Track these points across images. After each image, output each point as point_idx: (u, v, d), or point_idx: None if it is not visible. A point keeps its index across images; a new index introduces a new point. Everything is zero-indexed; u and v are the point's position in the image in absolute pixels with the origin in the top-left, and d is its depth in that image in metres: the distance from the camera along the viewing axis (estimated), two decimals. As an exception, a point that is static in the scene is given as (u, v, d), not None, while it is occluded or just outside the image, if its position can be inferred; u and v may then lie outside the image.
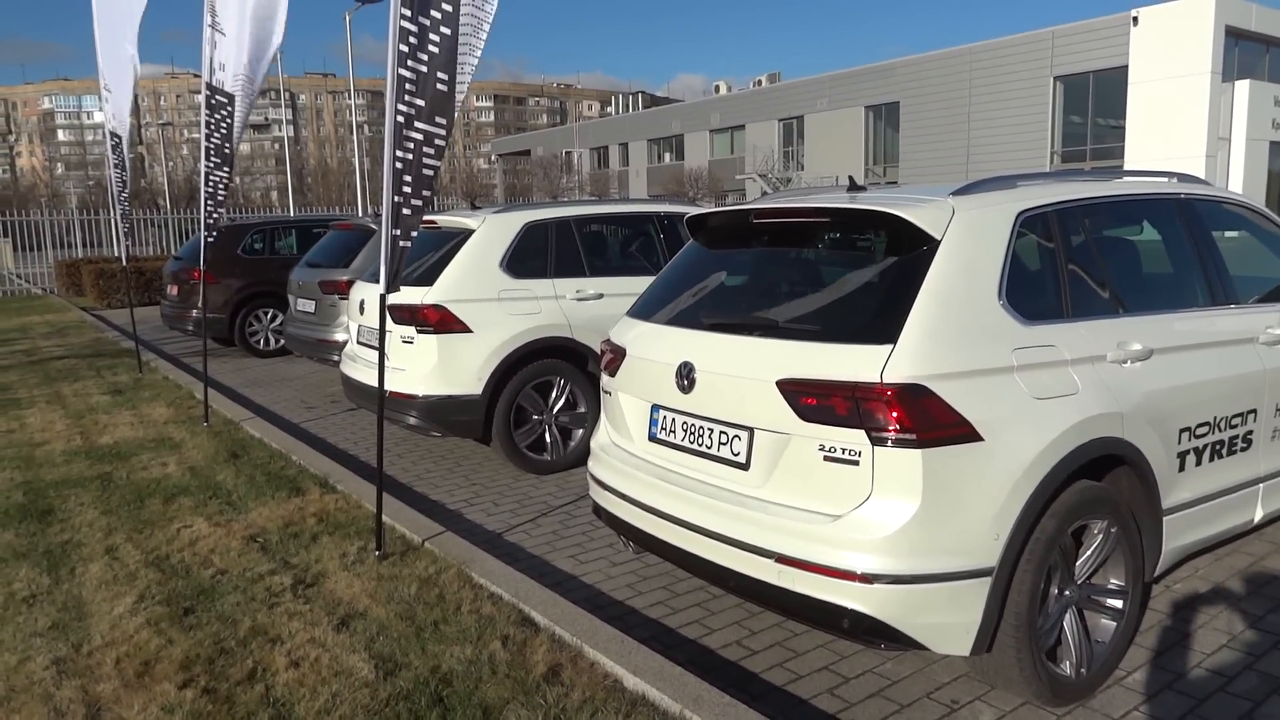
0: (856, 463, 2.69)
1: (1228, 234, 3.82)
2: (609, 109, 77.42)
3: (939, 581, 2.64)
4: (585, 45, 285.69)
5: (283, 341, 10.29)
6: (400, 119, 3.84)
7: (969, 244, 2.89)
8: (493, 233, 5.85)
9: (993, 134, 34.11)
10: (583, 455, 5.92)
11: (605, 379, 3.76)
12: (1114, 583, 3.12)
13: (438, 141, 3.95)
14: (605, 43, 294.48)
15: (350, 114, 32.91)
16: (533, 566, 4.31)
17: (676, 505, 3.20)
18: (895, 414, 2.62)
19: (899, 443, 2.62)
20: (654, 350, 3.41)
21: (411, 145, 3.91)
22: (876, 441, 2.64)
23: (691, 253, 3.81)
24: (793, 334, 2.97)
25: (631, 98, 65.99)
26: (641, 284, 6.27)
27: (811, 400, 2.77)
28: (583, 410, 5.93)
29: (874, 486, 2.67)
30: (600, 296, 5.98)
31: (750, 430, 2.99)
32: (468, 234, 5.83)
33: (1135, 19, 31.02)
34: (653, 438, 3.43)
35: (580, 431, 5.95)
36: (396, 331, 5.62)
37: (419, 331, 5.57)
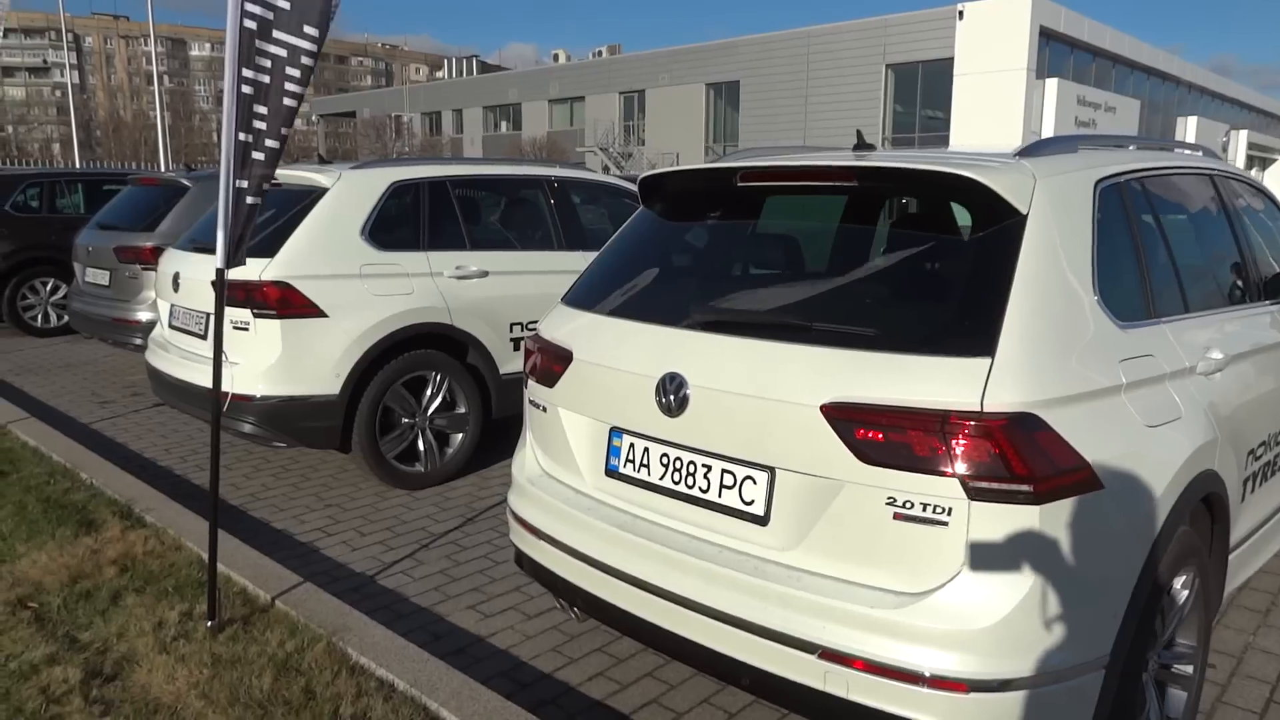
0: (945, 523, 1.92)
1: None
2: (439, 73, 74.09)
3: (1054, 683, 1.94)
4: (411, 6, 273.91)
5: (66, 318, 8.58)
6: (251, 24, 2.71)
7: (1057, 222, 2.18)
8: (351, 192, 4.70)
9: (829, 118, 34.85)
10: (462, 465, 4.95)
11: (536, 388, 2.82)
12: (1184, 644, 2.54)
13: (304, 60, 2.84)
14: (432, 5, 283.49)
15: (151, 62, 29.26)
16: (423, 625, 3.33)
17: (651, 567, 2.35)
18: (1005, 456, 1.87)
19: (1009, 496, 1.88)
20: (617, 355, 2.51)
21: (268, 64, 2.78)
22: (976, 495, 1.89)
23: (649, 225, 2.91)
24: (839, 340, 2.14)
25: (464, 62, 63.30)
26: (531, 261, 5.38)
27: (876, 435, 1.98)
28: (463, 411, 4.93)
29: (969, 556, 1.91)
30: (485, 275, 4.98)
31: (770, 470, 2.17)
32: (319, 193, 4.65)
33: (961, 13, 32.46)
34: (612, 471, 2.54)
35: (460, 436, 4.94)
36: (227, 315, 4.38)
37: (256, 315, 4.37)
